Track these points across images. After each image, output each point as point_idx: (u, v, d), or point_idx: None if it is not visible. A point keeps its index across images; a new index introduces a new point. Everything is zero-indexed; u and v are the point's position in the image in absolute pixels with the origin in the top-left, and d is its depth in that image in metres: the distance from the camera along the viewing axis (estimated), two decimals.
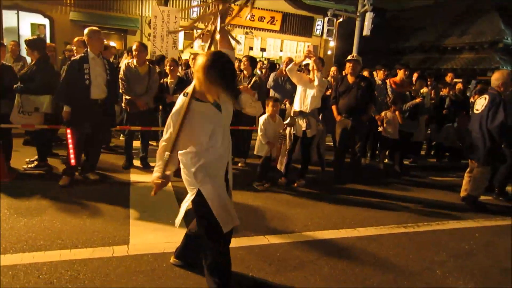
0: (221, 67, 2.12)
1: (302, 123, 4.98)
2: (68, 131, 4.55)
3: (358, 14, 14.38)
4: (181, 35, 13.66)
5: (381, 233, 3.89)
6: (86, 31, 4.50)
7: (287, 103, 6.38)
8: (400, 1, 25.75)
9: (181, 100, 2.27)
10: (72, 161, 4.56)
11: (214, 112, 2.30)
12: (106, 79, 4.65)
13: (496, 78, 4.89)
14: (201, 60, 2.14)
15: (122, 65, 6.19)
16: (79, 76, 4.42)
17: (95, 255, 2.95)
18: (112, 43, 13.25)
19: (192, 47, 14.61)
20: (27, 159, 5.26)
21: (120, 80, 5.30)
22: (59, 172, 4.85)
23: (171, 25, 10.03)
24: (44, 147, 5.17)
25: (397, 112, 6.36)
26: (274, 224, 3.91)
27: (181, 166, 2.41)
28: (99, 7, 13.33)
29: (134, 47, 5.47)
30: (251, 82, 5.79)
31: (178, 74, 6.08)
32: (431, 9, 23.09)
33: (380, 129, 6.53)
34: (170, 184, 4.93)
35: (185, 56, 13.23)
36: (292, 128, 5.13)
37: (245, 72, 5.97)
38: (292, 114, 5.19)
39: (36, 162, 5.14)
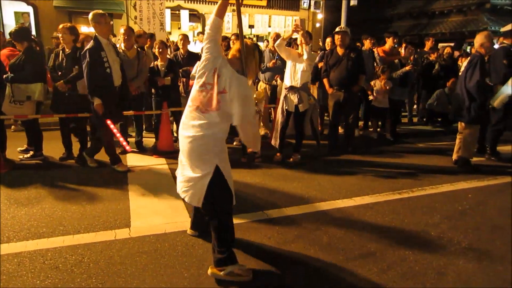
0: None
1: (294, 98, 4.99)
2: (109, 122, 4.47)
3: None
4: (167, 16, 13.41)
5: (377, 201, 3.99)
6: (90, 16, 4.36)
7: (278, 79, 6.37)
8: None
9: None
10: (127, 147, 4.71)
11: None
12: (120, 64, 4.64)
13: (477, 41, 5.03)
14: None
15: None
16: (100, 65, 4.32)
17: (98, 239, 3.01)
18: None
19: (179, 28, 14.43)
20: (19, 149, 5.28)
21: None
22: (56, 161, 4.87)
23: (156, 7, 9.85)
24: (38, 136, 5.17)
25: (383, 82, 6.36)
26: (272, 199, 3.98)
27: (197, 144, 2.45)
28: None
29: (121, 31, 5.40)
30: None
31: (168, 56, 6.03)
32: None
33: (370, 97, 6.56)
34: (166, 165, 5.03)
35: (173, 38, 13.07)
36: (284, 103, 5.15)
37: None
38: (283, 89, 5.20)
39: (31, 152, 5.15)
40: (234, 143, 6.09)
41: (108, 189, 4.12)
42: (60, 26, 4.81)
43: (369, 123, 7.49)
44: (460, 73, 5.23)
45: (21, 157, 5.12)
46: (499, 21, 15.48)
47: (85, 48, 4.38)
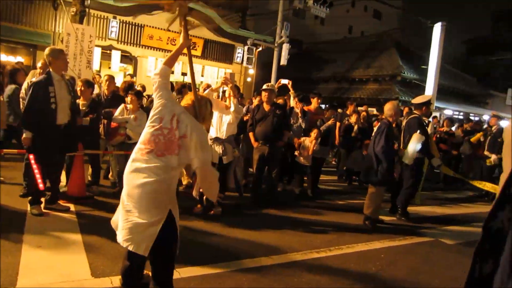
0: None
1: (218, 149, 4.94)
2: (31, 156, 4.21)
3: (276, 44, 15.09)
4: (97, 54, 13.01)
5: (294, 260, 3.94)
6: (47, 51, 4.22)
7: None
8: (314, 35, 27.69)
9: None
10: (41, 186, 4.25)
11: None
12: (71, 102, 4.41)
13: (387, 109, 5.53)
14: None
15: (26, 84, 5.69)
16: (44, 99, 4.09)
17: None
18: (20, 58, 12.16)
19: (110, 68, 14.01)
20: None
21: (21, 100, 4.85)
22: None
23: (85, 44, 9.49)
24: None
25: (313, 142, 6.58)
26: (186, 255, 3.73)
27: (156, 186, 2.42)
28: (6, 19, 12.17)
29: (39, 65, 5.07)
30: None
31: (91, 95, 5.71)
32: (341, 43, 25.20)
33: (296, 153, 6.73)
34: (73, 213, 4.56)
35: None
36: None
37: None
38: (209, 140, 5.13)
39: None
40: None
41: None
42: None
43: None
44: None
45: None
46: (408, 92, 17.44)
47: (34, 81, 4.27)
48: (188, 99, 2.72)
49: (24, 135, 4.25)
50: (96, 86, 7.48)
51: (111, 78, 6.16)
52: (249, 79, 17.38)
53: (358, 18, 31.70)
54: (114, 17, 13.59)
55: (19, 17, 12.14)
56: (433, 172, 9.30)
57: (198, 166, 2.47)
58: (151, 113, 2.55)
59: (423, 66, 16.10)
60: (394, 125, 5.73)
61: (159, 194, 2.42)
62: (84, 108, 5.33)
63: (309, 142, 6.53)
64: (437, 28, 13.33)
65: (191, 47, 2.80)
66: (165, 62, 2.67)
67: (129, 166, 2.49)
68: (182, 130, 2.45)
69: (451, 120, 10.82)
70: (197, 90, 2.77)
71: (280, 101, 6.66)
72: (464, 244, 5.09)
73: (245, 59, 15.43)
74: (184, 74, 16.20)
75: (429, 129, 9.63)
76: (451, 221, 6.30)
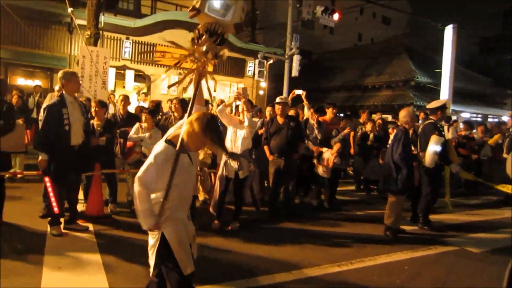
0: (216, 128, 2.39)
1: (234, 164, 4.94)
2: (47, 179, 4.34)
3: (286, 56, 15.12)
4: (112, 75, 13.27)
5: (316, 275, 3.86)
6: (60, 74, 4.37)
7: None
8: (324, 44, 27.74)
9: (166, 149, 2.34)
10: (56, 209, 4.33)
11: (188, 162, 2.46)
12: (84, 123, 4.53)
13: (402, 116, 5.44)
14: (196, 122, 2.32)
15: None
16: (58, 121, 4.22)
17: None
18: (38, 82, 12.48)
19: (124, 87, 14.24)
20: None
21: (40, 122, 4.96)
22: None
23: (100, 65, 9.70)
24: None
25: (334, 155, 6.48)
26: (206, 273, 3.70)
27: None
28: (24, 44, 12.55)
29: (57, 88, 5.20)
30: None
31: (105, 115, 5.80)
32: (351, 51, 25.16)
33: (314, 161, 6.64)
34: (92, 233, 4.59)
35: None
36: (224, 169, 5.06)
37: (176, 114, 5.85)
38: (223, 155, 5.13)
39: None
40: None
41: (19, 260, 3.63)
42: None
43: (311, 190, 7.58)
44: (388, 145, 5.57)
45: None
46: (422, 97, 17.20)
47: (48, 103, 4.38)
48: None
49: (40, 158, 4.34)
50: (111, 105, 7.63)
51: (125, 98, 6.26)
52: (261, 92, 17.42)
53: (367, 25, 31.69)
54: (127, 38, 13.86)
55: (36, 42, 12.47)
56: (454, 177, 9.09)
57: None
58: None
59: (437, 70, 15.90)
60: (411, 131, 5.65)
61: None
62: (99, 128, 5.42)
63: (330, 154, 6.46)
64: (449, 31, 13.20)
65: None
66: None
67: None
68: None
69: (469, 123, 10.56)
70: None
71: (291, 112, 6.63)
72: (490, 252, 4.93)
73: (256, 72, 15.49)
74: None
75: (450, 134, 9.49)
76: (475, 228, 6.11)
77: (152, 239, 2.44)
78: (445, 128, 9.92)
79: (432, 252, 4.86)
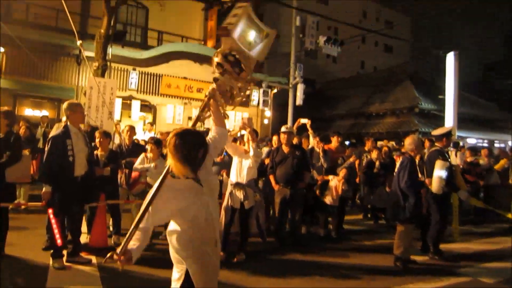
0: (184, 146, 2.19)
1: (239, 194, 4.90)
2: (50, 211, 4.32)
3: (290, 85, 15.31)
4: (118, 106, 13.46)
5: None
6: (65, 105, 4.43)
7: (224, 174, 6.32)
8: (327, 73, 28.13)
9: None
10: (58, 242, 4.27)
11: (194, 188, 2.24)
12: (88, 153, 4.54)
13: (408, 143, 5.43)
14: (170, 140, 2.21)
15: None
16: (62, 153, 4.24)
17: None
18: (45, 112, 12.67)
19: (130, 117, 14.40)
20: None
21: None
22: None
23: (107, 96, 9.86)
24: None
25: (341, 182, 6.45)
26: None
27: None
28: (32, 75, 12.83)
29: (64, 119, 5.23)
30: None
31: (110, 146, 5.83)
32: (354, 80, 25.45)
33: (317, 190, 6.56)
34: (95, 266, 4.51)
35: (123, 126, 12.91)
36: (230, 199, 5.01)
37: None
38: (229, 185, 5.10)
39: None
40: None
41: None
42: None
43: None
44: (395, 173, 5.51)
45: None
46: (427, 123, 17.19)
47: (52, 135, 4.40)
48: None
49: (44, 189, 4.32)
50: (117, 135, 7.69)
51: (131, 129, 6.32)
52: (266, 121, 17.53)
53: (369, 54, 32.24)
54: (134, 69, 14.15)
55: (45, 73, 12.79)
56: (463, 205, 8.94)
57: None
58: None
59: (440, 96, 15.96)
60: (418, 157, 5.61)
61: (172, 253, 2.31)
62: (103, 159, 5.44)
63: (338, 181, 6.40)
64: (450, 57, 13.32)
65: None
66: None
67: None
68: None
69: (473, 149, 10.48)
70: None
71: (294, 140, 6.63)
72: (504, 282, 4.79)
73: (261, 101, 15.66)
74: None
75: (458, 159, 9.40)
76: (487, 258, 5.94)
77: (177, 273, 2.27)
78: (453, 153, 9.89)
79: (444, 283, 4.71)
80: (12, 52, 11.63)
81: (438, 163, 5.46)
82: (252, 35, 2.59)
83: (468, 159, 9.89)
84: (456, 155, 9.66)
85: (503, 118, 23.02)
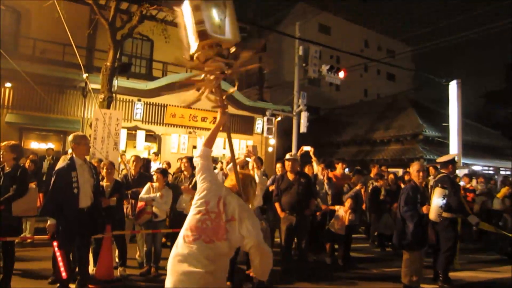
0: None
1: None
2: (55, 244, 4.29)
3: (294, 113, 15.46)
4: (123, 136, 13.63)
5: None
6: (70, 137, 4.46)
7: None
8: (331, 100, 28.43)
9: None
10: (64, 275, 4.26)
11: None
12: (93, 185, 4.54)
13: (413, 170, 5.39)
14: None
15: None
16: (67, 185, 4.24)
17: None
18: (50, 145, 12.81)
19: (135, 147, 14.53)
20: None
21: None
22: None
23: (112, 127, 10.01)
24: None
25: (348, 212, 6.43)
26: None
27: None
28: (38, 109, 13.03)
29: (70, 151, 5.30)
30: (192, 183, 5.71)
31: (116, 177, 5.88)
32: (357, 107, 25.68)
33: (317, 214, 6.52)
34: None
35: (128, 156, 13.02)
36: None
37: (185, 172, 5.93)
38: None
39: None
40: None
41: None
42: (2, 144, 4.66)
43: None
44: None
45: None
46: (432, 150, 17.17)
47: (58, 168, 4.41)
48: (231, 179, 2.62)
49: (48, 222, 4.30)
50: (122, 166, 7.74)
51: (137, 159, 6.36)
52: (270, 149, 17.60)
53: (372, 81, 32.64)
54: (139, 100, 14.39)
55: (51, 106, 13.00)
56: (467, 231, 8.78)
57: (254, 245, 2.32)
58: (196, 196, 2.48)
59: (444, 124, 16.03)
60: (423, 185, 5.57)
61: (215, 285, 2.31)
62: (108, 189, 5.47)
63: (344, 211, 6.37)
64: (453, 86, 13.49)
65: (221, 123, 2.72)
66: (205, 143, 2.61)
67: (175, 255, 2.37)
68: (229, 213, 2.36)
69: (469, 176, 10.54)
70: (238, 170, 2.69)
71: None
72: None
73: (265, 129, 15.76)
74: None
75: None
76: (497, 286, 5.81)
77: None
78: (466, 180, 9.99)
79: None
80: (19, 86, 11.88)
81: (437, 191, 5.40)
82: (214, 14, 2.48)
83: (465, 186, 9.90)
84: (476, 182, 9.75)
85: (507, 146, 22.99)
